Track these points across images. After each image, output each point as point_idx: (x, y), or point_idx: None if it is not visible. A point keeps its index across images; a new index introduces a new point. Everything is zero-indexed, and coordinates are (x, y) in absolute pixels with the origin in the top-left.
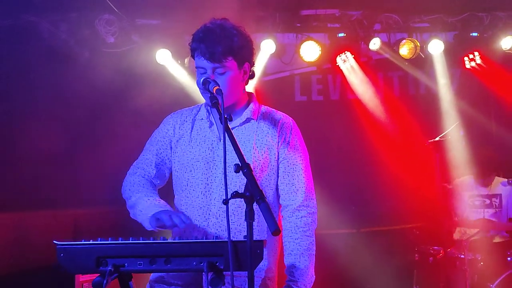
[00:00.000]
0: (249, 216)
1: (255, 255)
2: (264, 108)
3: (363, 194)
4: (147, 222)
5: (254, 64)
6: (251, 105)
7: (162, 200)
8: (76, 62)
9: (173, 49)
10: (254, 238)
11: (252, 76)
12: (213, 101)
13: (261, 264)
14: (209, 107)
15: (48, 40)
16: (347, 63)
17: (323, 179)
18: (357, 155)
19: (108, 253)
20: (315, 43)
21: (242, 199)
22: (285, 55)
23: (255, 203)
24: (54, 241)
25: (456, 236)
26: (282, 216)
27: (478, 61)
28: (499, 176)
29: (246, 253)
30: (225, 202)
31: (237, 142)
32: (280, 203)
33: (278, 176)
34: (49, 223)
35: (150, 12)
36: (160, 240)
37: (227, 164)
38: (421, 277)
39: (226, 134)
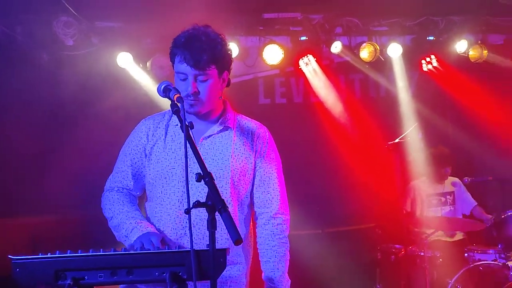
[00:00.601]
0: (211, 225)
1: (218, 264)
2: (239, 116)
3: (327, 195)
4: (130, 246)
5: (230, 72)
6: (227, 114)
7: (144, 221)
8: (35, 65)
9: (134, 52)
10: (223, 247)
11: (228, 84)
12: (174, 109)
13: (236, 271)
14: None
15: (3, 42)
16: (309, 66)
17: (287, 181)
18: (320, 157)
19: (66, 266)
20: (278, 46)
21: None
22: (249, 58)
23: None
24: (9, 256)
25: (416, 234)
26: (256, 224)
27: (435, 64)
28: (452, 176)
29: (209, 262)
30: (187, 211)
31: (201, 151)
32: (255, 210)
33: (253, 185)
34: (5, 232)
35: (110, 15)
36: (121, 251)
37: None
38: (383, 275)
39: (187, 142)
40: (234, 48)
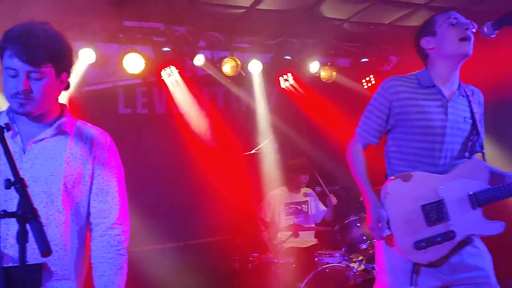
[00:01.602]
0: (21, 237)
1: (33, 280)
2: (79, 122)
3: (188, 207)
4: None
5: (70, 75)
6: (64, 118)
7: None
8: None
9: None
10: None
11: (67, 87)
12: None
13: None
14: (12, 114)
15: None
16: (172, 77)
17: (147, 194)
18: (181, 169)
19: None
20: (139, 55)
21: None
22: (108, 66)
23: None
24: None
25: (272, 242)
26: (91, 236)
27: (291, 81)
28: (308, 187)
29: (19, 279)
30: None
31: (30, 155)
32: (91, 221)
33: (91, 193)
34: None
35: None
36: None
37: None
38: (241, 284)
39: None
40: (90, 54)
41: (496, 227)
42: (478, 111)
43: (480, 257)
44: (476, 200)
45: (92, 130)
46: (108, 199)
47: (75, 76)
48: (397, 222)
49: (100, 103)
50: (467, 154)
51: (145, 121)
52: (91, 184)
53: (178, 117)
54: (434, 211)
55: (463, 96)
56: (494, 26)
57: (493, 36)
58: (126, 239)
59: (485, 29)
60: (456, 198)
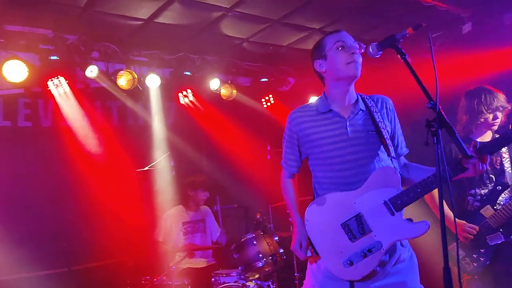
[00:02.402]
0: None
1: None
2: None
3: (75, 229)
4: None
5: None
6: None
7: None
8: None
9: None
10: None
11: None
12: None
13: None
14: None
15: None
16: (60, 88)
17: (28, 215)
18: (69, 188)
19: None
20: (22, 63)
21: None
22: None
23: None
24: None
25: (166, 263)
26: None
27: (191, 98)
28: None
29: None
30: None
31: None
32: None
33: None
34: None
35: None
36: None
37: None
38: None
39: None
40: None
41: (420, 228)
42: (386, 118)
43: (404, 265)
44: (393, 206)
45: None
46: None
47: None
48: (323, 246)
49: None
50: (381, 164)
51: (27, 135)
52: None
53: (65, 131)
54: (355, 227)
55: (362, 110)
56: (378, 47)
57: (377, 56)
58: None
59: (370, 50)
60: (373, 209)
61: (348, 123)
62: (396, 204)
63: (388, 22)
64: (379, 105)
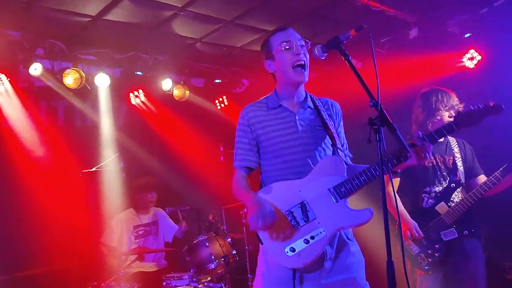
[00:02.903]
0: None
1: None
2: None
3: (18, 234)
4: None
5: None
6: None
7: None
8: None
9: None
10: None
11: None
12: None
13: None
14: None
15: None
16: (1, 86)
17: None
18: (10, 191)
19: None
20: None
21: None
22: None
23: None
24: None
25: (116, 268)
26: None
27: (142, 98)
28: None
29: None
30: None
31: None
32: None
33: None
34: None
35: None
36: None
37: None
38: None
39: None
40: None
41: (364, 215)
42: (332, 118)
43: (352, 261)
44: (337, 193)
45: None
46: None
47: None
48: (267, 233)
49: None
50: (326, 156)
51: None
52: None
53: (6, 131)
54: (299, 214)
55: (310, 107)
56: (323, 48)
57: (322, 58)
58: None
59: (316, 52)
60: (317, 196)
61: (297, 117)
62: (340, 192)
63: (338, 26)
64: (326, 106)
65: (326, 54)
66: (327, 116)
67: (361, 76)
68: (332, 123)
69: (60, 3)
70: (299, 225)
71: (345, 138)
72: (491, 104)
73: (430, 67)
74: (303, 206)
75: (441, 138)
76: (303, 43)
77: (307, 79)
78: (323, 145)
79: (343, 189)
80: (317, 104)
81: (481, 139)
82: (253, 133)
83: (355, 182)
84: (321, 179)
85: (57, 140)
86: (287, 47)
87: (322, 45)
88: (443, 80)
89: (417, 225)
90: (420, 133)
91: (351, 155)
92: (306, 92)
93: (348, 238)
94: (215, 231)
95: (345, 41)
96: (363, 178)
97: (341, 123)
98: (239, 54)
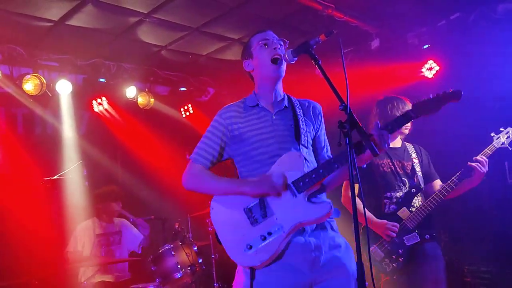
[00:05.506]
0: None
1: None
2: None
3: None
4: None
5: None
6: None
7: None
8: None
9: None
10: None
11: None
12: None
13: None
14: None
15: None
16: None
17: None
18: None
19: None
20: None
21: None
22: None
23: None
24: None
25: (78, 279)
26: None
27: (106, 106)
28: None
29: None
30: None
31: None
32: None
33: None
34: None
35: None
36: None
37: None
38: None
39: None
40: None
41: (322, 208)
42: (311, 119)
43: (339, 252)
44: (295, 187)
45: None
46: None
47: None
48: (226, 234)
49: None
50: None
51: None
52: None
53: None
54: (257, 211)
55: (286, 107)
56: (293, 53)
57: (293, 62)
58: None
59: (286, 56)
60: None
61: (273, 117)
62: (298, 186)
63: (302, 36)
64: (305, 107)
65: (296, 58)
66: (301, 114)
67: (331, 80)
68: (308, 122)
69: (21, 6)
70: (257, 222)
71: (326, 140)
72: (450, 90)
73: (391, 77)
74: (261, 202)
75: (400, 127)
76: (282, 42)
77: (283, 74)
78: (296, 145)
79: (301, 183)
80: (294, 103)
81: (435, 147)
82: (228, 133)
83: (313, 176)
84: None
85: (17, 148)
86: (265, 44)
87: (292, 49)
88: (404, 90)
89: (388, 222)
90: (379, 122)
91: (331, 157)
92: (284, 94)
93: (332, 228)
94: (181, 240)
95: (315, 46)
96: (321, 171)
97: (322, 124)
98: (205, 62)
